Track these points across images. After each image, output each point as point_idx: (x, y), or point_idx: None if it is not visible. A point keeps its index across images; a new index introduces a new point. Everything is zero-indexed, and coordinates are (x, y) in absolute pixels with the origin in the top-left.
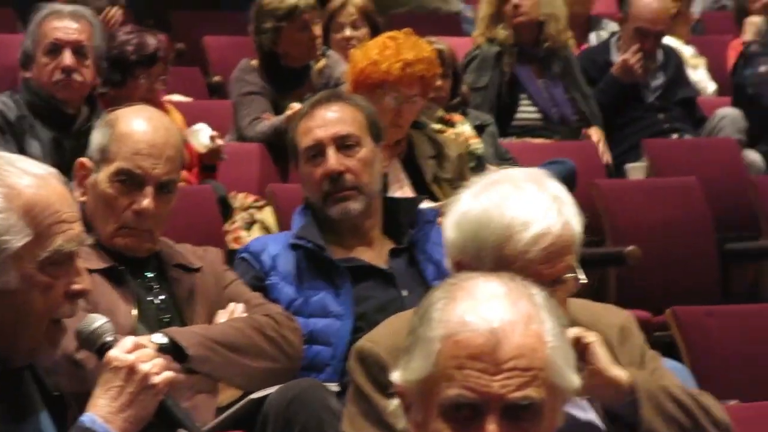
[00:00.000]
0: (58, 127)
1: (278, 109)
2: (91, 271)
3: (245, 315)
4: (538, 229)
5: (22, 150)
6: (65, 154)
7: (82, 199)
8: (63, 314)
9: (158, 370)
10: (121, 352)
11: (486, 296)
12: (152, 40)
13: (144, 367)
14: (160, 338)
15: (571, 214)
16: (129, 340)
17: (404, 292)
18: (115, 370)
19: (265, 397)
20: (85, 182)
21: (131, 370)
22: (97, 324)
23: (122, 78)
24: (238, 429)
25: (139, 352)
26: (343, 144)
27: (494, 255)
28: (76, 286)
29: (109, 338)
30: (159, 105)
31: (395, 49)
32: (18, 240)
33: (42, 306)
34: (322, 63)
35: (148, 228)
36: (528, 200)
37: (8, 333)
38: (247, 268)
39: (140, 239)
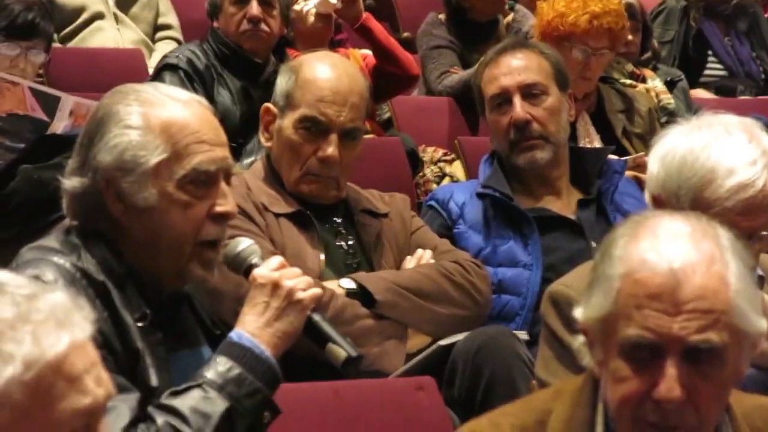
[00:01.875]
0: (247, 77)
1: (466, 63)
2: (278, 215)
3: (433, 261)
4: (742, 179)
5: (211, 98)
6: (254, 103)
7: (268, 144)
8: (208, 235)
9: (304, 286)
10: (266, 269)
11: (669, 235)
12: None
13: (289, 283)
14: (348, 283)
15: None
16: (275, 259)
17: (592, 243)
18: (260, 287)
19: (453, 344)
20: (270, 127)
21: (276, 285)
22: (242, 246)
23: None
24: (427, 374)
25: (285, 270)
26: (529, 92)
27: (693, 196)
28: (219, 208)
29: (255, 260)
30: None
31: (582, 2)
32: (154, 157)
33: (182, 224)
34: (509, 17)
35: (333, 175)
36: (737, 148)
37: (152, 251)
38: (435, 215)
39: (325, 186)
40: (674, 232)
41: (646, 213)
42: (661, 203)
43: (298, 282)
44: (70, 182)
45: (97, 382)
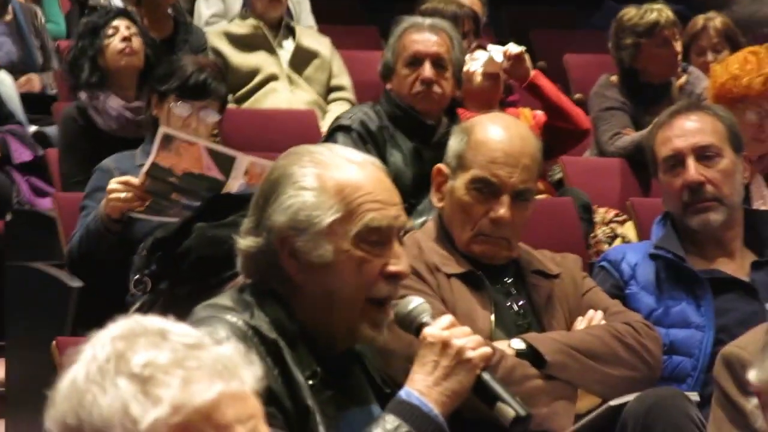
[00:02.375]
0: (418, 138)
1: (638, 125)
2: (449, 275)
3: (604, 323)
4: None
5: (383, 159)
6: (425, 164)
7: (440, 205)
8: (379, 293)
9: (474, 345)
10: (436, 328)
11: None
12: None
13: (458, 342)
14: (518, 344)
15: None
16: (446, 318)
17: (767, 305)
18: (429, 346)
19: (624, 405)
20: (442, 188)
21: (445, 344)
22: (413, 305)
23: None
24: None
25: (455, 329)
26: (703, 154)
27: None
28: (392, 267)
29: (425, 318)
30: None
31: (756, 64)
32: (328, 216)
33: (356, 281)
34: (683, 79)
35: (505, 236)
36: None
37: (325, 309)
38: (606, 276)
39: (497, 247)
40: None
41: None
42: None
43: (468, 341)
44: (245, 242)
45: None
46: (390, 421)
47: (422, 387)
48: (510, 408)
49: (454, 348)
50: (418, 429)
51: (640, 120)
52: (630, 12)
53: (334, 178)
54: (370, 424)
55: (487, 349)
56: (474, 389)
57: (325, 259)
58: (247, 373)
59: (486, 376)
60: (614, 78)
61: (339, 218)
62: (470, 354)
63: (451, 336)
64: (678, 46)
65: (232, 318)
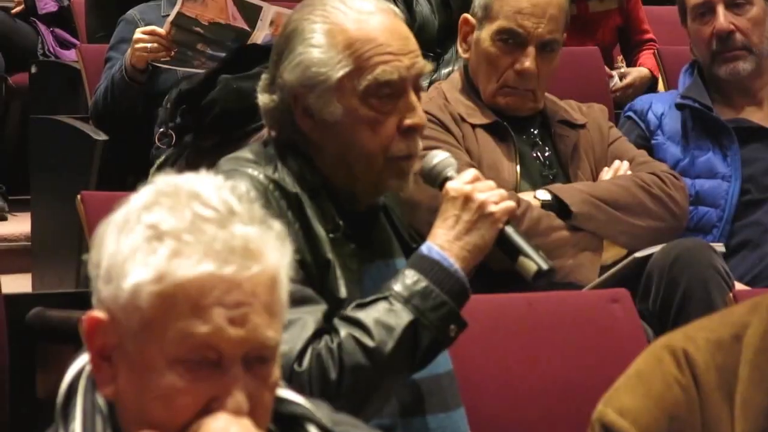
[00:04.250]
0: None
1: None
2: (474, 126)
3: (630, 173)
4: None
5: (410, 8)
6: (452, 13)
7: (465, 55)
8: (400, 151)
9: (497, 199)
10: (459, 182)
11: None
12: None
13: (481, 196)
14: (543, 194)
15: None
16: (469, 173)
17: None
18: (452, 200)
19: (649, 256)
20: (468, 38)
21: (467, 198)
22: (438, 159)
23: None
24: (622, 287)
25: (478, 183)
26: (733, 2)
27: None
28: (408, 121)
29: (450, 172)
30: None
31: None
32: (336, 71)
33: (371, 142)
34: None
35: (530, 87)
36: None
37: (345, 165)
38: (632, 126)
39: (522, 99)
40: None
41: None
42: None
43: (490, 195)
44: (263, 98)
45: (233, 321)
46: (409, 275)
47: (443, 241)
48: (532, 262)
49: (477, 202)
50: (438, 283)
51: None
52: None
53: (344, 31)
54: (390, 279)
55: (510, 203)
56: (497, 243)
57: (335, 117)
58: (257, 259)
59: (509, 229)
60: None
61: (348, 73)
62: (492, 208)
63: (473, 190)
64: None
65: (254, 172)
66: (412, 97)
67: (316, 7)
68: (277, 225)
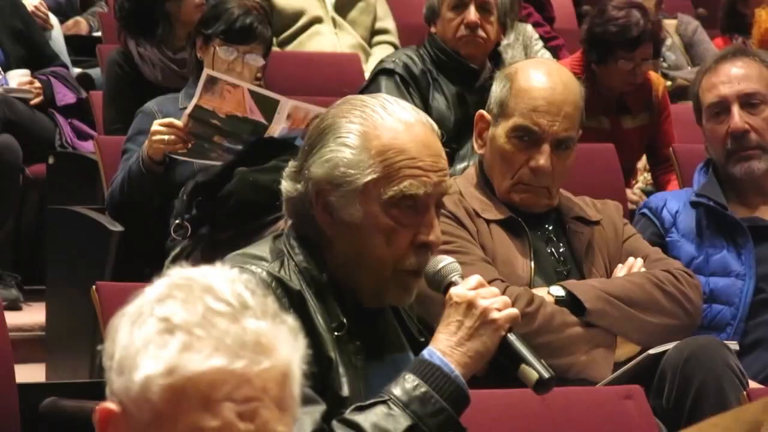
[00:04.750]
0: (462, 82)
1: None
2: (489, 221)
3: (644, 270)
4: None
5: (426, 103)
6: (468, 108)
7: (481, 151)
8: (410, 265)
9: (500, 305)
10: (462, 288)
11: None
12: (640, 21)
13: (484, 302)
14: (557, 291)
15: None
16: (474, 278)
17: None
18: (455, 306)
19: (663, 353)
20: (483, 135)
21: (470, 304)
22: (443, 264)
23: (601, 57)
24: (636, 383)
25: (481, 289)
26: (748, 102)
27: None
28: (423, 237)
29: (454, 277)
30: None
31: None
32: (364, 176)
33: (384, 250)
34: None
35: (545, 185)
36: None
37: (353, 269)
38: (647, 223)
39: (537, 196)
40: None
41: None
42: None
43: (494, 302)
44: (287, 185)
45: (242, 416)
46: (409, 380)
47: (445, 347)
48: (534, 370)
49: (480, 308)
50: (438, 389)
51: None
52: None
53: (378, 137)
54: (391, 381)
55: (513, 310)
56: (499, 350)
57: (354, 219)
58: (269, 355)
59: (511, 337)
60: None
61: (375, 179)
62: (495, 315)
63: (477, 296)
64: None
65: (256, 269)
66: (432, 214)
67: (356, 107)
68: (290, 319)
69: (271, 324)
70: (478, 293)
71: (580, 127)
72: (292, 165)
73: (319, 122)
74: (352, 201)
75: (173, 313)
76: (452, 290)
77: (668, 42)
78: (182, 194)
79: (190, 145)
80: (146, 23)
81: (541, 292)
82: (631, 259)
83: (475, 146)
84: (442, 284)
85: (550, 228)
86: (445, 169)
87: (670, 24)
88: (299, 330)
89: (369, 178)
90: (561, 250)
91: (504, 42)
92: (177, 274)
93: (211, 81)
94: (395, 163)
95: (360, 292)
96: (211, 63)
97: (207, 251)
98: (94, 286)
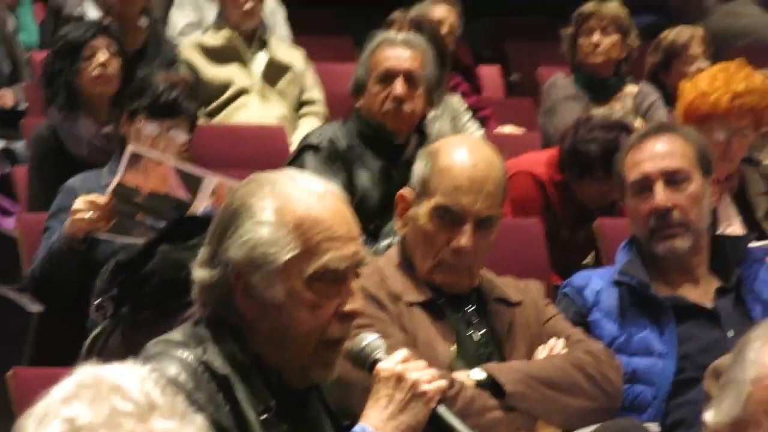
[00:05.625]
0: (387, 157)
1: None
2: (410, 303)
3: (565, 351)
4: None
5: (350, 179)
6: (393, 184)
7: (402, 232)
8: (333, 335)
9: (429, 378)
10: (390, 363)
11: None
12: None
13: (413, 375)
14: (478, 374)
15: None
16: (400, 353)
17: (730, 333)
18: (384, 380)
19: None
20: (405, 214)
21: (399, 378)
22: (367, 341)
23: (580, 173)
24: None
25: (409, 363)
26: (672, 179)
27: None
28: (347, 307)
29: (379, 354)
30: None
31: (725, 81)
32: (285, 253)
33: (309, 324)
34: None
35: (467, 265)
36: None
37: (277, 348)
38: (569, 303)
39: (458, 276)
40: None
41: None
42: None
43: (422, 374)
44: (201, 273)
45: None
46: None
47: (377, 422)
48: None
49: (409, 381)
50: None
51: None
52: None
53: (293, 211)
54: None
55: (442, 382)
56: (429, 423)
57: (277, 299)
58: None
59: (441, 409)
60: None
61: (296, 256)
62: (425, 387)
63: (405, 369)
64: (597, 38)
65: (182, 354)
66: (353, 283)
67: (264, 185)
68: (199, 419)
69: (179, 424)
70: (407, 367)
71: (502, 205)
72: (204, 251)
73: (227, 204)
74: (273, 281)
75: (78, 414)
76: (380, 365)
77: (622, 108)
78: (104, 273)
79: (112, 223)
80: (64, 96)
81: (461, 375)
82: (552, 340)
83: (397, 226)
84: (367, 361)
85: (472, 309)
86: (358, 236)
87: (630, 90)
88: (208, 429)
89: (289, 255)
90: (482, 332)
91: (430, 114)
92: (85, 373)
93: (135, 157)
94: (313, 236)
95: (285, 371)
96: (135, 138)
97: (128, 331)
98: (11, 372)
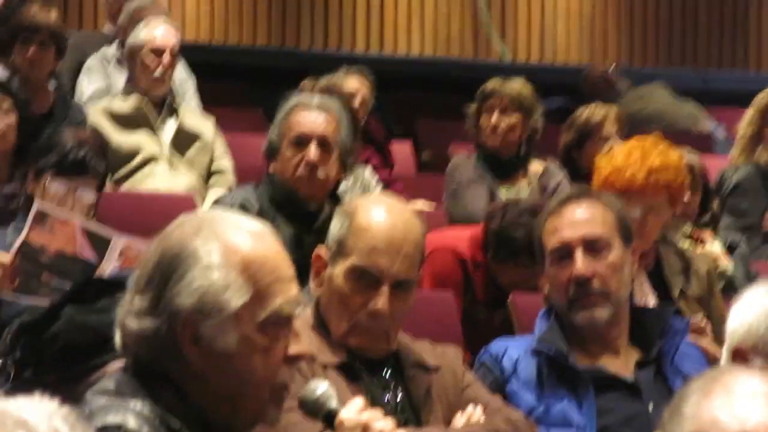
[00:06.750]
0: (300, 223)
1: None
2: (324, 366)
3: (484, 419)
4: None
5: None
6: (305, 251)
7: (318, 291)
8: (282, 379)
9: (391, 428)
10: (353, 413)
11: (744, 393)
12: None
13: (378, 425)
14: None
15: None
16: (357, 402)
17: (650, 406)
18: (348, 431)
19: None
20: (321, 274)
21: (365, 429)
22: (321, 390)
23: (503, 257)
24: None
25: (370, 413)
26: (592, 246)
27: None
28: (295, 349)
29: (334, 404)
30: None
31: (640, 156)
32: (237, 299)
33: (263, 370)
34: (540, 167)
35: (383, 328)
36: None
37: (230, 399)
38: (487, 372)
39: (375, 339)
40: (751, 390)
41: (722, 368)
42: (742, 357)
43: (386, 424)
44: (140, 323)
45: None
46: None
47: None
48: None
49: (375, 431)
50: None
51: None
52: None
53: (238, 252)
54: None
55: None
56: None
57: (229, 348)
58: None
59: None
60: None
61: (248, 301)
62: None
63: (370, 419)
64: (495, 118)
65: (135, 405)
66: (296, 325)
67: (201, 227)
68: None
69: None
70: (371, 417)
71: (420, 267)
72: (141, 300)
73: (163, 250)
74: (226, 328)
75: None
76: (342, 415)
77: (528, 186)
78: (6, 335)
79: (16, 283)
80: None
81: None
82: (470, 408)
83: (312, 286)
84: (321, 410)
85: (388, 374)
86: (294, 276)
87: (535, 168)
88: None
89: (242, 300)
90: (399, 397)
91: (342, 186)
92: None
93: (42, 215)
94: (262, 278)
95: (234, 422)
96: (42, 196)
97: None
98: None
